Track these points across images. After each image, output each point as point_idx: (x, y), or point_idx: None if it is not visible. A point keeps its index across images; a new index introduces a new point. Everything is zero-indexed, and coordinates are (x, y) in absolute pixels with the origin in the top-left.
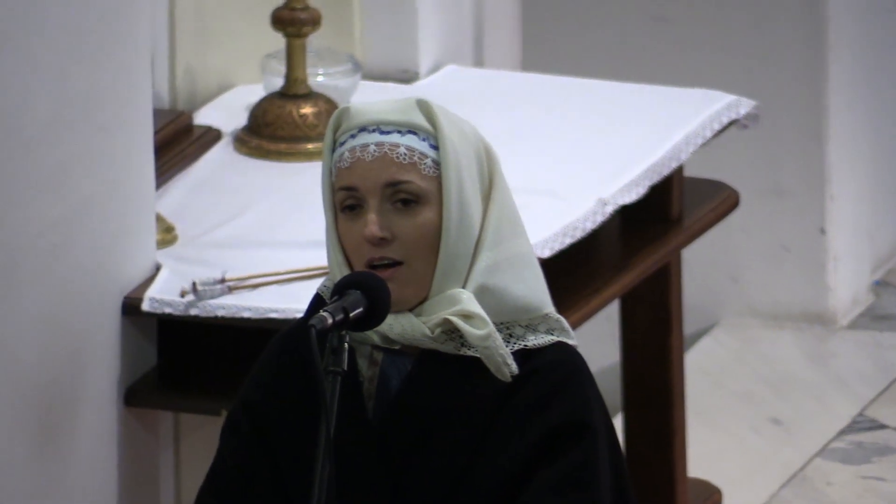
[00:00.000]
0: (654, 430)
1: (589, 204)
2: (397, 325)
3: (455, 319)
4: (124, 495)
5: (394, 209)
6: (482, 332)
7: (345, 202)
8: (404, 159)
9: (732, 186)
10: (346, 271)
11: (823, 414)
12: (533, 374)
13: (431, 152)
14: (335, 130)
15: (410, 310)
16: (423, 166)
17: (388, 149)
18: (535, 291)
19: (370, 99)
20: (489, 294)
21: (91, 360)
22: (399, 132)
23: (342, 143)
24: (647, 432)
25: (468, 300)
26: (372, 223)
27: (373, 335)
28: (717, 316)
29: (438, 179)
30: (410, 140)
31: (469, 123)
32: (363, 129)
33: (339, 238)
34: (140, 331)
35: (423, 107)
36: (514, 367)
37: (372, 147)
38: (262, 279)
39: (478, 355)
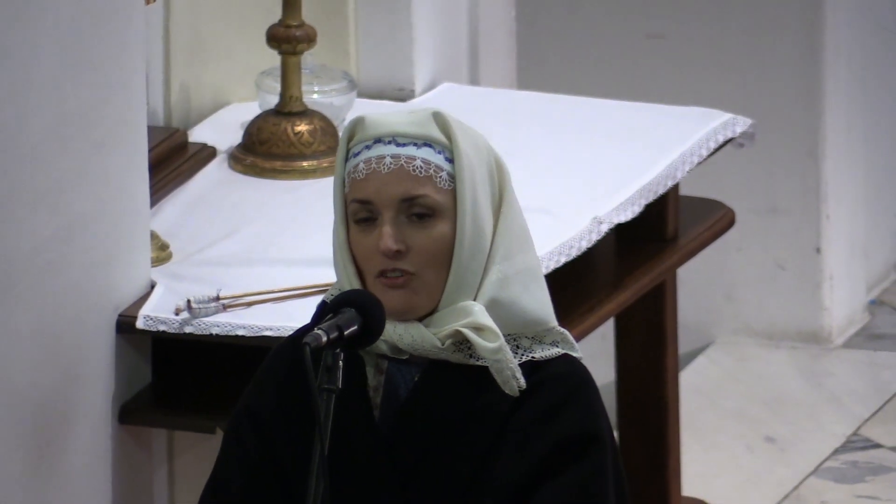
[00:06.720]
0: (648, 448)
1: (584, 222)
2: (407, 336)
3: (466, 331)
4: None
5: (409, 222)
6: (493, 345)
7: (358, 214)
8: (420, 172)
9: (728, 205)
10: (355, 281)
11: (818, 433)
12: (540, 385)
13: (447, 165)
14: (349, 140)
15: (420, 320)
16: (438, 179)
17: (405, 161)
18: (543, 305)
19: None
20: (499, 307)
21: (85, 377)
22: (415, 145)
23: (356, 154)
24: (642, 450)
25: (479, 312)
26: (388, 236)
27: (381, 345)
28: (712, 335)
29: (453, 192)
30: (426, 153)
31: (482, 136)
32: (378, 140)
33: (350, 248)
34: (134, 349)
35: (440, 119)
36: (523, 382)
37: (388, 159)
38: (257, 297)
39: (486, 364)
